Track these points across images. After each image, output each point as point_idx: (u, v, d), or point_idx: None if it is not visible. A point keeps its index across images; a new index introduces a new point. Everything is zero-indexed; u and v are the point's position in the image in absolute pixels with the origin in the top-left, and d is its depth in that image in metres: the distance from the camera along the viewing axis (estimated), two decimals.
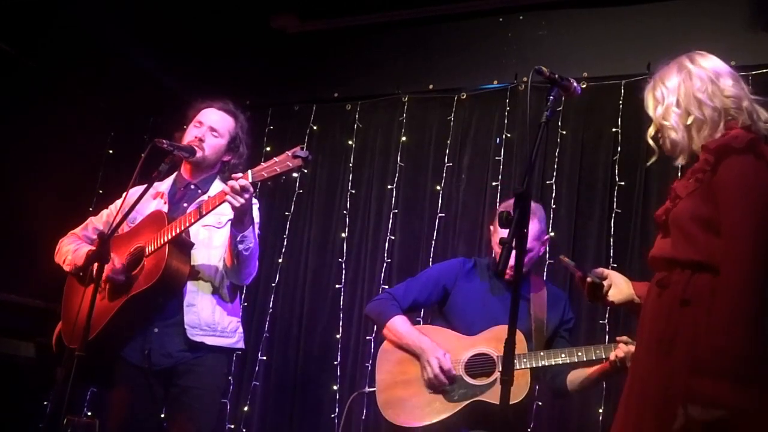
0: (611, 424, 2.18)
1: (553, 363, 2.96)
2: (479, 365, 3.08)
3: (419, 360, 3.13)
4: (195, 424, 2.98)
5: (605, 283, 2.45)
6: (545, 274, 4.03)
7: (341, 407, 4.40)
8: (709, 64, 2.24)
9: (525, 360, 2.98)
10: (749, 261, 1.92)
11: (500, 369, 2.97)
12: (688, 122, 2.19)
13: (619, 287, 2.45)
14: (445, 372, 3.04)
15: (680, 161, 2.28)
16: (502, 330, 3.03)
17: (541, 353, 2.99)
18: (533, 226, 3.15)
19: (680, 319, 2.02)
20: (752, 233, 1.95)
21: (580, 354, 2.93)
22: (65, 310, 3.16)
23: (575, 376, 3.04)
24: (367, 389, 3.72)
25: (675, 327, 2.02)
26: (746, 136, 2.08)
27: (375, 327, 4.33)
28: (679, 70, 2.25)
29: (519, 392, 2.93)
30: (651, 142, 2.33)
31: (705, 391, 1.87)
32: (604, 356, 2.87)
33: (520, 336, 2.93)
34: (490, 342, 3.08)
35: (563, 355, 2.95)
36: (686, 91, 2.21)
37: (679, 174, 2.48)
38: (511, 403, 2.80)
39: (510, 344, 1.98)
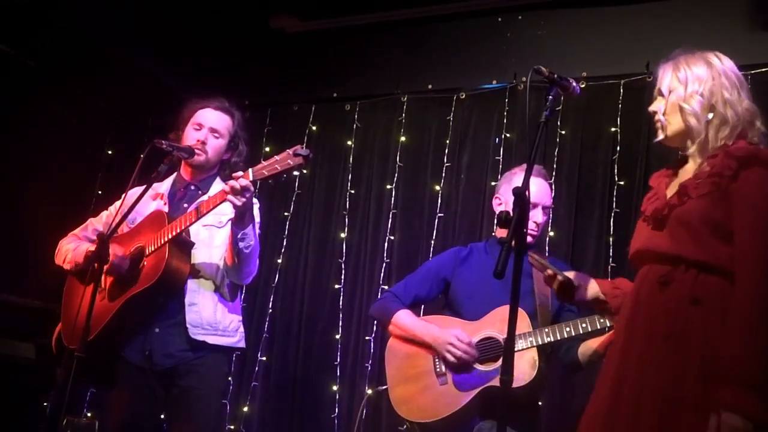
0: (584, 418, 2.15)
1: (558, 338, 2.92)
2: (486, 350, 3.05)
3: (433, 349, 3.10)
4: (195, 425, 2.97)
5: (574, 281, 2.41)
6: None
7: (341, 407, 4.40)
8: (735, 72, 2.24)
9: (530, 339, 2.95)
10: (765, 272, 1.95)
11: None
12: (709, 116, 2.18)
13: (585, 286, 2.42)
14: (469, 345, 3.02)
15: (678, 144, 2.26)
16: (505, 310, 3.01)
17: (546, 330, 2.95)
18: (546, 186, 3.26)
19: (689, 317, 2.02)
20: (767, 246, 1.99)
21: (584, 326, 2.88)
22: (65, 311, 3.16)
23: (587, 348, 2.99)
24: (380, 388, 3.71)
25: (683, 325, 2.02)
26: None
27: (375, 327, 4.34)
28: (708, 64, 2.24)
29: (527, 373, 2.90)
30: (654, 114, 2.29)
31: (728, 400, 1.87)
32: (608, 324, 2.82)
33: (522, 314, 2.91)
34: (495, 324, 3.05)
35: (567, 329, 2.90)
36: (714, 87, 2.20)
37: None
38: (520, 384, 2.84)
39: (510, 344, 1.97)
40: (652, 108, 2.31)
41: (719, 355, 1.92)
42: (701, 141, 2.20)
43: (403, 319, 3.22)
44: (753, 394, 1.86)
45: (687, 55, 2.28)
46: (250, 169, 2.80)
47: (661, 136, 2.29)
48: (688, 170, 2.26)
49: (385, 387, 3.24)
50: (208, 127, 3.19)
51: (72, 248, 3.20)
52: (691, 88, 2.21)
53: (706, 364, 1.95)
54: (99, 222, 3.30)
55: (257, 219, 3.17)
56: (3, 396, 4.19)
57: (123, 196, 3.09)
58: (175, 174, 3.29)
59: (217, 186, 3.15)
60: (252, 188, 2.79)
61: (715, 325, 1.98)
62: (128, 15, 4.82)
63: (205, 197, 3.09)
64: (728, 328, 1.94)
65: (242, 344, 3.17)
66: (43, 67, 4.83)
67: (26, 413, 4.26)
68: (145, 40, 5.03)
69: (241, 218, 2.87)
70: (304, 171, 4.88)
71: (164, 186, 3.26)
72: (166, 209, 3.13)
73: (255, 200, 3.21)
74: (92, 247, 3.05)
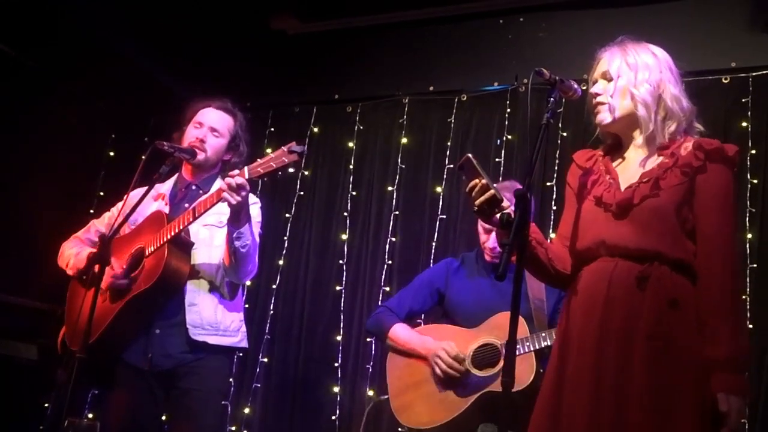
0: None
1: None
2: (485, 356, 3.08)
3: (427, 360, 3.14)
4: (196, 426, 2.97)
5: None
6: None
7: (342, 409, 4.40)
8: (675, 68, 2.25)
9: (528, 344, 2.98)
10: (737, 264, 2.18)
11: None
12: (657, 108, 2.19)
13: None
14: (456, 360, 3.05)
15: (620, 131, 2.27)
16: (502, 317, 3.06)
17: (543, 334, 2.98)
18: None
19: (670, 320, 2.04)
20: (733, 240, 2.15)
21: None
22: (68, 314, 3.16)
23: None
24: (382, 397, 3.72)
25: (666, 327, 2.03)
26: (734, 147, 2.14)
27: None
28: (654, 55, 2.25)
29: (525, 377, 2.92)
30: (596, 96, 2.26)
31: (730, 385, 1.98)
32: None
33: (520, 320, 2.91)
34: (492, 331, 3.07)
35: None
36: (661, 79, 2.20)
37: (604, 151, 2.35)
38: (519, 389, 2.85)
39: (511, 346, 1.96)
40: (595, 89, 2.28)
41: (710, 346, 2.01)
42: (649, 131, 2.19)
43: (399, 332, 3.28)
44: (745, 377, 2.03)
45: (633, 42, 2.28)
46: (245, 167, 2.81)
47: (607, 119, 2.26)
48: (634, 158, 2.24)
49: (386, 396, 3.27)
50: (208, 126, 3.19)
51: (74, 253, 3.20)
52: (641, 75, 2.20)
53: (694, 361, 2.01)
54: (101, 223, 3.31)
55: (258, 218, 3.17)
56: (4, 397, 4.19)
57: (125, 197, 3.09)
58: (176, 174, 3.29)
59: (218, 186, 3.15)
60: (247, 186, 2.79)
61: (692, 328, 2.04)
62: (128, 16, 4.81)
63: (204, 197, 3.09)
64: (715, 319, 2.03)
65: (244, 344, 3.16)
66: (43, 67, 4.83)
67: (27, 415, 4.25)
68: (146, 41, 5.03)
69: (237, 216, 2.87)
70: (305, 172, 4.89)
71: (166, 186, 3.26)
72: (167, 210, 3.12)
73: (257, 199, 3.22)
74: (94, 251, 3.06)
